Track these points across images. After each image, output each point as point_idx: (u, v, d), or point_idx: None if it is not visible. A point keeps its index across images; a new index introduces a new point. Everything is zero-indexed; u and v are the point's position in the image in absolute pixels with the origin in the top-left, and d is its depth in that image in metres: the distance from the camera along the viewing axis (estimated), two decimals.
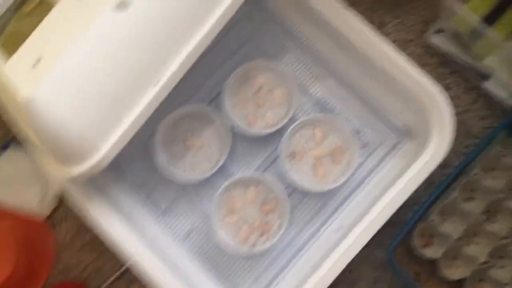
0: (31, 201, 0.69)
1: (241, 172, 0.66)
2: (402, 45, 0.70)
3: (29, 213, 0.69)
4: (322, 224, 0.65)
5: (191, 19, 0.55)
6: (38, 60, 0.53)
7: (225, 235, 0.63)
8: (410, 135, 0.65)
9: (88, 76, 0.52)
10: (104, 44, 0.52)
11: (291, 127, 0.64)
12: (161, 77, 0.55)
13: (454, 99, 0.66)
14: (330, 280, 0.57)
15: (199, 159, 0.65)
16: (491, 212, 0.63)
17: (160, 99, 0.56)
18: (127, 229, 0.61)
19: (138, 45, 0.53)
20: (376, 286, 0.65)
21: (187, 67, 0.57)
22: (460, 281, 0.62)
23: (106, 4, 0.52)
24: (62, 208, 0.70)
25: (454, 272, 0.62)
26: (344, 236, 0.60)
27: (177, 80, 0.57)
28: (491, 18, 0.65)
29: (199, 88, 0.68)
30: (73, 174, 0.55)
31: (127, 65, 0.53)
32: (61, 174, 0.57)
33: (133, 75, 0.54)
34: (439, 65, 0.69)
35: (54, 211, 0.70)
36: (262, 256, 0.64)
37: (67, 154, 0.55)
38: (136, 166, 0.67)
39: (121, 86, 0.54)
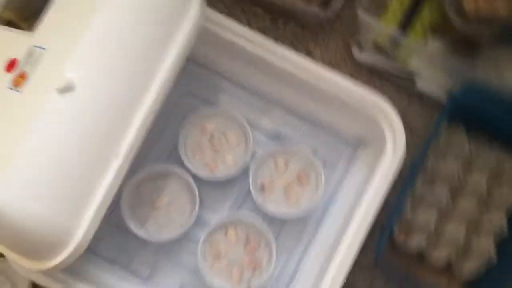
0: None
1: (215, 216, 0.66)
2: (332, 67, 0.74)
3: None
4: (308, 245, 0.66)
5: (137, 87, 0.56)
6: None
7: (218, 283, 0.62)
8: (364, 143, 0.68)
9: (44, 168, 0.50)
10: (55, 131, 0.51)
11: (252, 164, 0.65)
12: (120, 147, 0.55)
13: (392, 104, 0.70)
14: None
15: (172, 216, 0.65)
16: (454, 195, 0.67)
17: (125, 169, 0.56)
18: None
19: (91, 124, 0.52)
20: None
21: (144, 132, 0.56)
22: (448, 263, 0.65)
23: (50, 91, 0.50)
24: None
25: (440, 257, 0.65)
26: (333, 251, 0.61)
27: (138, 146, 0.56)
28: (405, 25, 0.71)
29: (152, 148, 0.68)
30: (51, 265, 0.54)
31: (83, 146, 0.52)
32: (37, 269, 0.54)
33: (91, 153, 0.53)
34: (370, 77, 0.73)
35: None
36: None
37: (40, 251, 0.53)
38: (106, 240, 0.65)
39: (82, 167, 0.53)
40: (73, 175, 0.52)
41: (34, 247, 0.53)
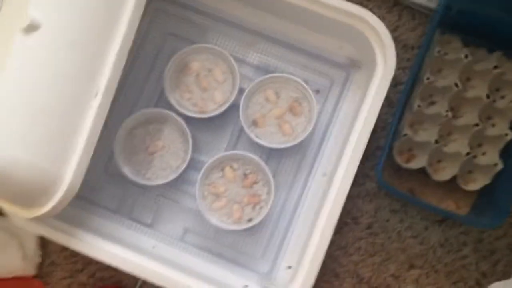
0: (14, 263, 0.65)
1: (211, 157, 0.64)
2: None
3: (17, 275, 0.65)
4: (307, 177, 0.65)
5: (106, 21, 0.54)
6: None
7: (219, 221, 0.62)
8: (356, 65, 0.66)
9: (22, 112, 0.50)
10: (27, 73, 0.50)
11: (243, 98, 0.63)
12: (99, 86, 0.54)
13: (382, 21, 0.67)
14: (335, 219, 0.57)
15: (166, 159, 0.64)
16: (455, 108, 0.64)
17: (106, 108, 0.55)
18: (128, 254, 0.59)
19: (63, 62, 0.51)
20: (377, 215, 0.66)
21: (120, 67, 0.55)
22: (453, 179, 0.63)
23: (15, 33, 0.49)
24: (47, 259, 0.67)
25: (444, 174, 0.63)
26: (331, 178, 0.60)
27: (115, 84, 0.55)
28: None
29: (140, 95, 0.67)
30: (43, 210, 0.53)
31: (59, 87, 0.51)
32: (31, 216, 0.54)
33: (68, 93, 0.52)
34: None
35: (41, 264, 0.67)
36: (263, 225, 0.64)
37: (32, 197, 0.53)
38: (106, 190, 0.65)
39: (61, 108, 0.52)
40: (53, 117, 0.51)
41: (25, 194, 0.53)
